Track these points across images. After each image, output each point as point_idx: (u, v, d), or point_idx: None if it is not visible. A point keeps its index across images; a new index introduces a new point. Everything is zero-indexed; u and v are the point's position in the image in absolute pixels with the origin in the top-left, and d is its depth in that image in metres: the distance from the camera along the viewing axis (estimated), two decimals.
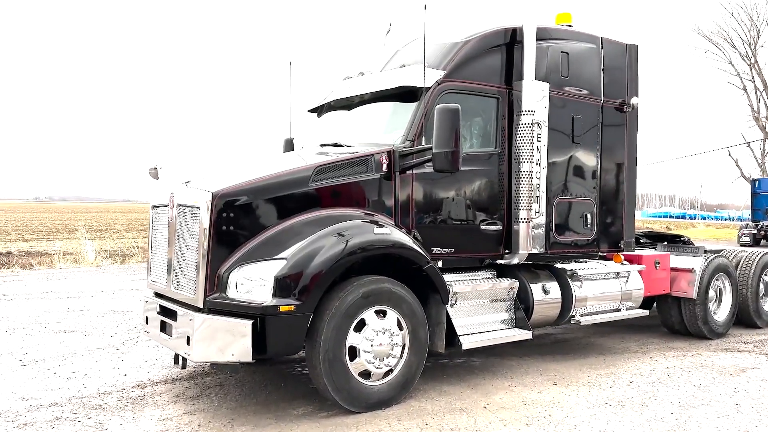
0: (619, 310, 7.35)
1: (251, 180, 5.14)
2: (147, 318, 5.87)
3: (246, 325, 4.65)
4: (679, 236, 9.57)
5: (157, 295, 5.76)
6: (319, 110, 7.16)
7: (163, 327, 5.48)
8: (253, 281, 4.80)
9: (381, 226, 5.26)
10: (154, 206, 5.92)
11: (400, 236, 5.34)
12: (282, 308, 4.67)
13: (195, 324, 4.84)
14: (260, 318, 4.68)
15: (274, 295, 4.70)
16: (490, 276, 6.35)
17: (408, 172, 5.63)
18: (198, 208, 5.00)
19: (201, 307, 4.90)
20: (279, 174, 5.26)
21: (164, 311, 5.50)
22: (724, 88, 63.57)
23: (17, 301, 11.06)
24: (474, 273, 6.25)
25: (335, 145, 6.13)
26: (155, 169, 6.37)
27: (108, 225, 41.42)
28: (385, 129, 6.03)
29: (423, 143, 5.63)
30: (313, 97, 7.37)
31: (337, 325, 4.87)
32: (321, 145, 6.36)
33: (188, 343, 4.91)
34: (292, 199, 5.20)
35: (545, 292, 6.52)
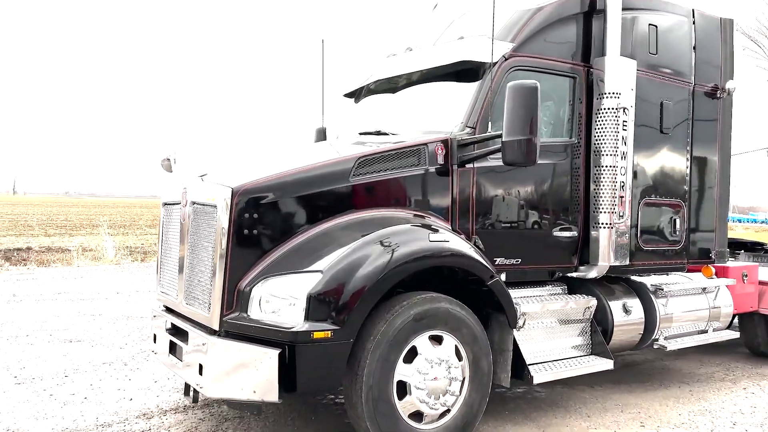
0: (706, 331, 6.26)
1: (279, 173, 4.18)
2: (155, 336, 4.96)
3: (272, 355, 3.70)
4: (761, 243, 8.39)
5: (168, 309, 4.85)
6: (357, 94, 6.18)
7: (173, 349, 4.57)
8: (282, 299, 3.84)
9: (436, 231, 4.27)
10: (166, 204, 5.01)
11: (460, 244, 4.34)
12: (316, 334, 3.71)
13: (209, 350, 3.91)
14: (289, 346, 3.72)
15: (307, 317, 3.73)
16: (560, 292, 5.32)
17: (468, 165, 4.63)
18: (215, 206, 4.07)
19: (217, 329, 3.96)
20: (313, 167, 4.29)
21: (174, 330, 4.59)
22: (763, 87, 61.02)
23: (27, 302, 10.32)
24: (540, 288, 5.22)
25: (378, 133, 5.14)
26: (168, 160, 5.47)
27: (132, 221, 41.08)
28: (439, 114, 5.02)
29: (485, 131, 4.61)
30: (350, 79, 6.40)
31: (383, 355, 3.90)
32: (360, 134, 5.38)
33: (200, 373, 3.99)
34: (329, 196, 4.24)
35: (626, 311, 5.46)
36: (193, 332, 4.17)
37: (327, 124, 6.74)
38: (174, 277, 4.66)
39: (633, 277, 5.79)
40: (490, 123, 4.51)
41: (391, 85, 5.61)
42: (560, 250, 5.14)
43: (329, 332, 3.73)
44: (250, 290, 3.93)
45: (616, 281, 5.67)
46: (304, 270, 3.87)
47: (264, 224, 4.04)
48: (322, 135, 6.61)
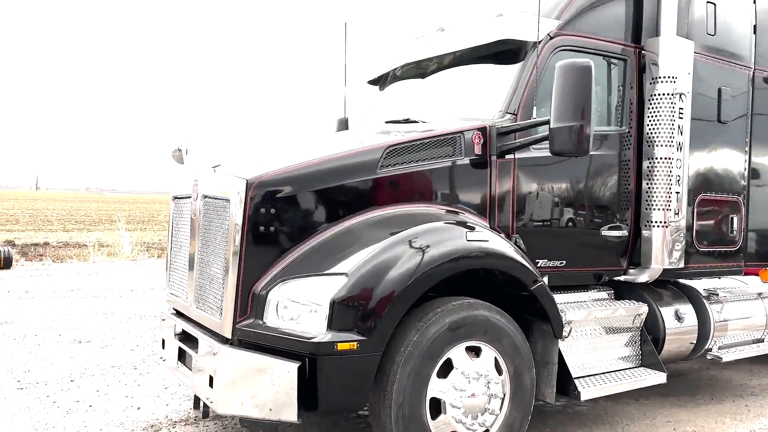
0: (762, 340, 5.73)
1: (299, 164, 3.75)
2: (163, 342, 4.57)
3: (290, 369, 3.27)
4: None
5: (179, 313, 4.45)
6: (382, 81, 5.73)
7: (182, 356, 4.17)
8: (301, 304, 3.41)
9: (473, 229, 3.81)
10: (176, 197, 4.61)
11: (501, 244, 3.87)
12: (341, 345, 3.27)
13: (220, 360, 3.50)
14: (310, 359, 3.29)
15: (330, 325, 3.30)
16: (606, 297, 4.83)
17: (508, 156, 4.16)
18: (228, 200, 3.65)
19: (229, 337, 3.54)
20: (336, 157, 3.85)
21: (184, 336, 4.19)
22: None
23: (39, 300, 10.04)
24: (583, 293, 4.74)
25: (406, 121, 4.68)
26: (179, 150, 5.07)
27: (150, 216, 41.12)
28: (474, 100, 4.55)
29: (528, 117, 4.14)
30: (375, 65, 5.95)
31: (415, 369, 3.45)
32: (386, 122, 4.93)
33: (211, 385, 3.57)
34: (355, 190, 3.79)
35: (679, 318, 4.96)
36: (204, 339, 3.76)
37: (349, 113, 6.30)
38: (184, 278, 4.26)
39: (682, 281, 5.28)
40: (535, 109, 4.02)
41: (420, 70, 5.15)
42: (609, 250, 4.65)
43: (355, 343, 3.29)
44: (267, 294, 3.51)
45: (664, 285, 5.16)
46: (327, 272, 3.44)
47: (282, 220, 3.61)
48: (344, 125, 6.17)
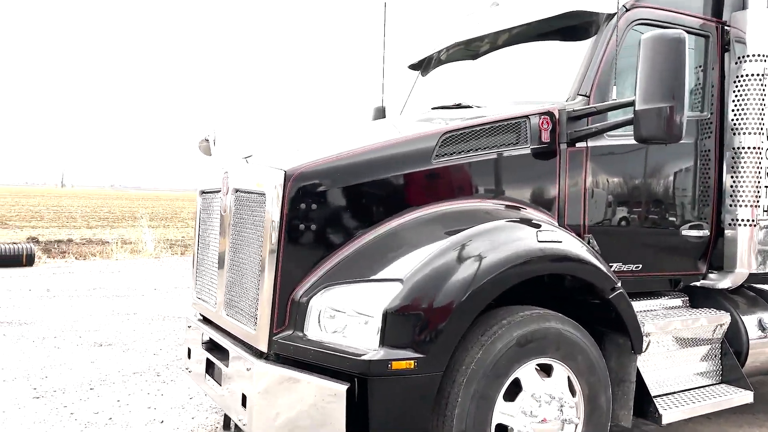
0: None
1: (343, 153, 3.28)
2: (189, 351, 4.15)
3: (337, 392, 2.80)
4: None
5: (206, 320, 4.02)
6: (425, 65, 5.24)
7: (210, 368, 3.74)
8: (349, 315, 2.95)
9: (542, 228, 3.30)
10: (203, 192, 4.17)
11: (575, 245, 3.36)
12: (396, 364, 2.79)
13: (254, 378, 3.05)
14: (359, 379, 2.82)
15: (384, 340, 2.82)
16: (681, 304, 4.30)
17: (579, 144, 3.65)
18: (263, 194, 3.19)
19: (265, 350, 3.09)
20: (385, 145, 3.38)
21: (212, 346, 3.76)
22: None
23: (60, 299, 9.74)
24: (655, 300, 4.21)
25: (457, 106, 4.19)
26: (206, 140, 4.64)
27: (173, 213, 41.12)
28: (537, 81, 4.05)
29: (602, 100, 3.63)
30: (416, 48, 5.46)
31: (479, 391, 2.96)
32: (432, 109, 4.44)
33: (243, 405, 3.13)
34: (406, 183, 3.32)
35: (762, 328, 4.40)
36: (236, 352, 3.32)
37: (387, 102, 5.83)
38: (212, 282, 3.83)
39: (759, 286, 4.72)
40: (615, 89, 3.50)
41: (470, 51, 4.65)
42: (688, 253, 4.12)
43: (412, 362, 2.81)
44: (308, 302, 3.05)
45: (740, 290, 4.60)
46: (378, 278, 2.96)
47: (324, 217, 3.15)
48: (381, 114, 5.69)
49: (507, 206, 3.47)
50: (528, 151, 3.54)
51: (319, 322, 3.04)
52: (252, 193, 3.34)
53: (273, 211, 3.11)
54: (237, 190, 3.54)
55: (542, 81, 3.98)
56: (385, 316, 2.83)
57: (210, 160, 4.53)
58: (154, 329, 7.72)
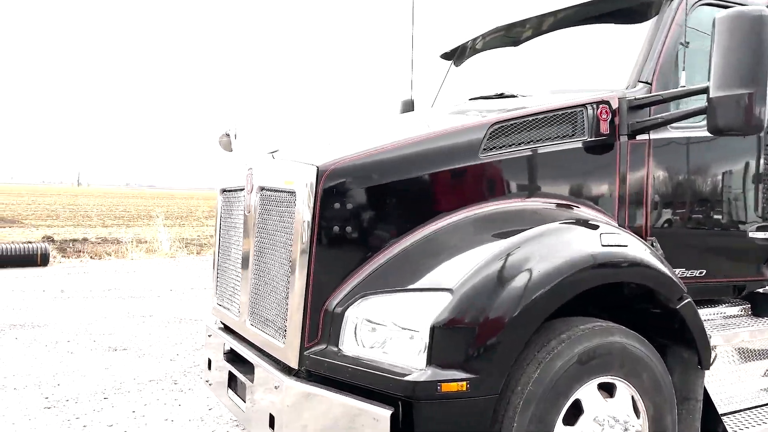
0: None
1: (380, 147, 2.94)
2: (210, 362, 3.84)
3: (380, 417, 2.47)
4: None
5: (228, 328, 3.72)
6: (459, 54, 4.90)
7: (233, 382, 3.43)
8: (391, 328, 2.61)
9: (605, 230, 2.94)
10: (224, 190, 3.87)
11: (641, 250, 3.00)
12: (446, 386, 2.46)
13: (284, 398, 2.73)
14: (404, 402, 2.49)
15: (432, 358, 2.48)
16: (742, 313, 3.93)
17: (640, 136, 3.29)
18: (293, 192, 2.87)
19: (295, 366, 2.77)
20: (427, 138, 3.04)
21: (235, 357, 3.45)
22: None
23: (74, 300, 9.52)
24: (714, 308, 3.84)
25: (499, 96, 3.84)
26: (227, 135, 4.33)
27: (188, 212, 41.09)
28: (589, 67, 3.69)
29: (665, 87, 3.28)
30: (449, 37, 5.12)
31: (537, 414, 2.61)
32: (470, 100, 4.10)
33: (271, 426, 2.82)
34: (451, 179, 2.98)
35: None
36: (262, 367, 3.01)
37: (415, 94, 5.49)
38: (235, 288, 3.52)
39: None
40: (684, 74, 3.13)
41: (510, 37, 4.30)
42: (754, 256, 3.74)
43: (464, 383, 2.47)
44: (343, 312, 2.72)
45: None
46: (424, 287, 2.63)
47: (361, 218, 2.82)
48: (409, 108, 5.36)
49: (563, 206, 3.12)
50: (585, 144, 3.19)
51: (355, 335, 2.71)
52: (280, 191, 3.02)
53: (304, 211, 2.79)
54: (262, 188, 3.22)
55: (595, 67, 3.62)
56: (433, 330, 2.49)
57: (231, 157, 4.22)
58: (171, 333, 7.45)
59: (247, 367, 3.24)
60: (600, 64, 3.59)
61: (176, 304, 9.36)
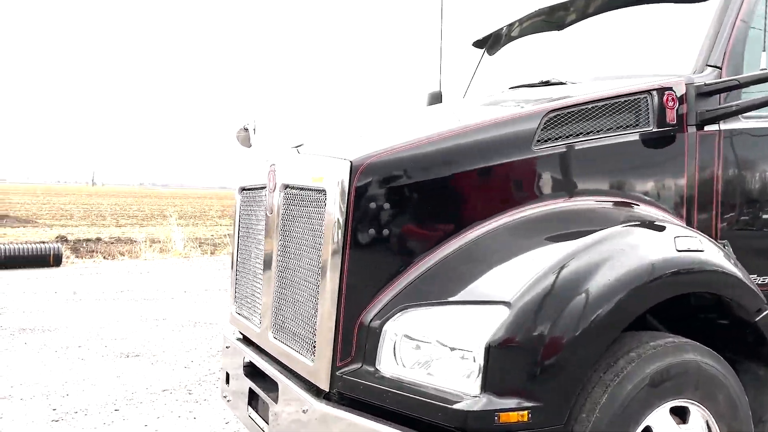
0: None
1: (419, 140, 2.60)
2: (228, 376, 3.53)
3: None
4: None
5: (247, 338, 3.40)
6: (493, 41, 4.55)
7: (254, 400, 3.12)
8: (437, 346, 2.28)
9: (676, 232, 2.58)
10: (243, 189, 3.55)
11: (718, 256, 2.64)
12: (505, 416, 2.11)
13: (313, 423, 2.41)
14: None
15: (487, 384, 2.14)
16: None
17: (709, 127, 2.92)
18: (323, 190, 2.54)
19: (326, 389, 2.45)
20: (471, 129, 2.68)
21: (255, 372, 3.13)
22: None
23: (86, 302, 9.28)
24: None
25: (545, 84, 3.48)
26: (245, 130, 4.02)
27: (202, 211, 41.02)
28: (647, 50, 3.32)
29: (737, 72, 2.91)
30: (480, 26, 4.78)
31: None
32: (511, 89, 3.74)
33: None
34: (501, 175, 2.64)
35: None
36: (287, 387, 2.68)
37: (444, 86, 5.14)
38: (256, 296, 3.20)
39: None
40: (765, 55, 2.76)
41: (554, 21, 3.94)
42: None
43: (526, 413, 2.12)
44: (381, 327, 2.39)
45: None
46: (477, 299, 2.29)
47: (400, 219, 2.49)
48: (437, 100, 5.01)
49: (627, 204, 2.77)
50: (649, 135, 2.83)
51: (394, 353, 2.38)
52: (307, 189, 2.70)
53: (335, 211, 2.46)
54: (287, 186, 2.89)
55: (654, 51, 3.25)
56: (489, 350, 2.14)
57: (250, 152, 3.91)
58: (185, 337, 7.17)
59: (269, 385, 2.92)
60: (659, 48, 3.22)
61: (190, 307, 9.09)
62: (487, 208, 2.58)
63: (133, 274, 12.46)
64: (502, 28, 4.42)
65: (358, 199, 2.43)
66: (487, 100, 3.63)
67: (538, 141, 2.66)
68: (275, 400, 2.79)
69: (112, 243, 18.44)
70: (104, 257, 15.09)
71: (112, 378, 5.56)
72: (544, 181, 2.66)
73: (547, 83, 3.46)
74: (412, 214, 2.51)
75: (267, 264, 3.03)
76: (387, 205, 2.46)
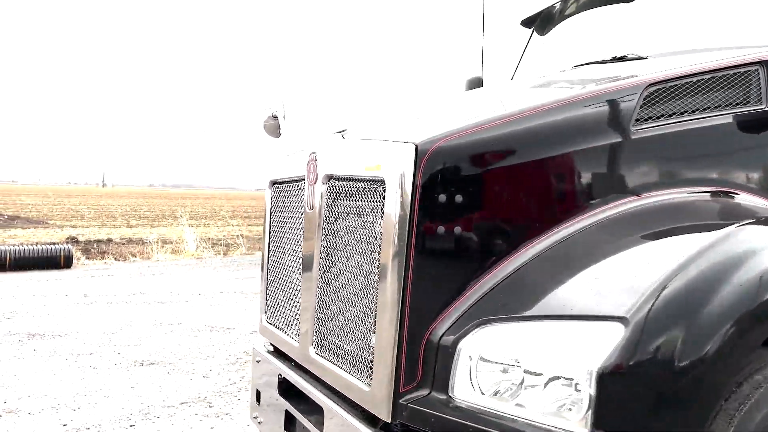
0: None
1: (493, 121, 2.17)
2: (258, 394, 3.12)
3: None
4: None
5: (279, 351, 2.99)
6: (545, 19, 4.12)
7: (291, 425, 2.70)
8: (527, 370, 1.84)
9: None
10: (275, 183, 3.14)
11: None
12: None
13: None
14: None
15: (599, 420, 1.70)
16: None
17: None
18: (380, 181, 2.12)
19: (387, 419, 2.02)
20: (555, 106, 2.24)
21: (292, 392, 2.72)
22: None
23: (98, 305, 8.92)
24: None
25: (619, 59, 3.03)
26: (274, 117, 3.60)
27: (213, 211, 40.77)
28: (740, 18, 2.87)
29: None
30: (529, 2, 4.35)
31: None
32: (575, 67, 3.30)
33: None
34: (593, 161, 2.21)
35: None
36: (335, 413, 2.26)
37: (480, 71, 4.72)
38: (293, 304, 2.78)
39: None
40: None
41: None
42: None
43: None
44: (455, 345, 1.96)
45: None
46: (580, 314, 1.85)
47: (477, 213, 2.06)
48: (478, 86, 4.57)
49: (737, 195, 2.32)
50: (762, 113, 2.38)
51: (471, 378, 1.95)
52: (358, 180, 2.27)
53: (396, 205, 2.03)
54: (331, 178, 2.47)
55: (752, 20, 2.80)
56: (601, 378, 1.71)
57: (280, 142, 3.50)
58: (201, 343, 6.77)
59: (311, 408, 2.51)
60: (759, 15, 2.78)
61: (206, 310, 8.71)
62: (578, 200, 2.15)
63: (146, 276, 12.11)
64: (554, 5, 3.99)
65: (425, 190, 2.01)
66: (549, 79, 3.18)
67: (637, 120, 2.22)
68: (319, 428, 2.38)
69: (123, 244, 18.14)
70: (115, 258, 14.78)
71: (126, 389, 5.17)
72: (644, 167, 2.23)
73: (622, 59, 3.01)
74: (489, 209, 2.08)
75: (306, 268, 2.61)
76: (460, 198, 2.03)
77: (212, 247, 17.34)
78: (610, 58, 3.09)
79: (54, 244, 14.24)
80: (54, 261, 12.58)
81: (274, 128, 3.64)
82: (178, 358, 6.15)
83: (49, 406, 4.75)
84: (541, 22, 4.15)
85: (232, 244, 18.25)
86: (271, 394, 2.92)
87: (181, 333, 7.27)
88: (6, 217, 26.77)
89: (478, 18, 4.77)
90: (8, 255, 12.11)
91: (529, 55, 4.27)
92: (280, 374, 2.85)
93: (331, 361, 2.39)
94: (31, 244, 13.48)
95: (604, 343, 1.74)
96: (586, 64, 3.22)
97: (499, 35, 4.97)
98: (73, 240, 17.67)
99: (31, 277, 11.53)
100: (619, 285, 1.86)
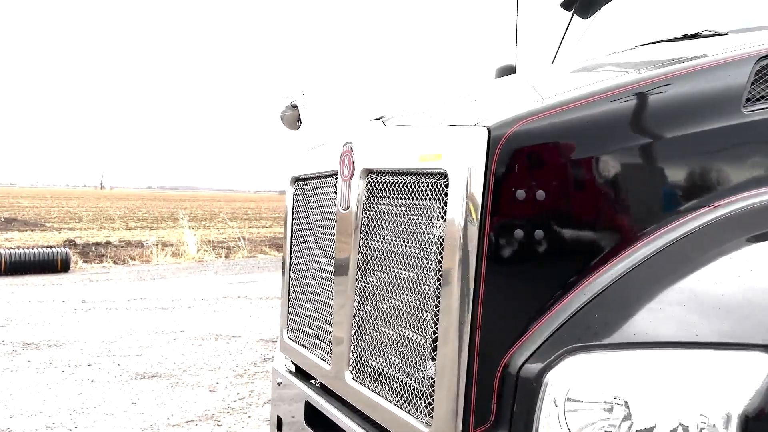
0: None
1: (578, 99, 1.78)
2: (279, 421, 2.73)
3: None
4: None
5: (301, 371, 2.61)
6: (589, 1, 3.74)
7: None
8: (637, 410, 1.46)
9: None
10: (299, 179, 2.75)
11: None
12: None
13: None
14: None
15: None
16: None
17: None
18: (440, 174, 1.73)
19: None
20: (643, 81, 1.86)
21: (319, 421, 2.33)
22: None
23: (96, 312, 8.52)
24: None
25: (692, 36, 2.65)
26: (294, 107, 3.20)
27: (212, 214, 40.38)
28: None
29: None
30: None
31: None
32: (639, 46, 2.91)
33: None
34: (700, 149, 1.83)
35: None
36: None
37: (518, 60, 4.34)
38: (322, 321, 2.39)
39: None
40: None
41: None
42: None
43: None
44: (540, 377, 1.58)
45: None
46: (706, 341, 1.46)
47: (564, 215, 1.68)
48: (510, 74, 4.19)
49: None
50: None
51: (560, 419, 1.56)
52: (410, 173, 1.89)
53: (463, 204, 1.64)
54: (371, 172, 2.09)
55: None
56: (745, 422, 1.33)
57: (300, 133, 3.11)
58: (206, 353, 6.39)
59: None
60: None
61: (209, 316, 8.32)
62: (685, 197, 1.77)
63: (146, 280, 11.72)
64: None
65: (500, 184, 1.62)
66: (615, 59, 2.80)
67: (749, 100, 1.84)
68: None
69: (122, 247, 17.73)
70: (114, 262, 14.38)
71: (127, 405, 4.78)
72: (761, 156, 1.85)
73: (696, 36, 2.63)
74: (579, 207, 1.70)
75: (340, 278, 2.23)
76: (542, 194, 1.65)
77: (213, 249, 16.95)
78: (680, 36, 2.71)
79: (51, 247, 13.85)
80: (51, 265, 12.19)
81: (293, 119, 3.25)
82: (182, 370, 5.76)
83: (43, 425, 4.36)
84: (582, 4, 3.78)
85: (233, 247, 17.86)
86: (295, 424, 2.54)
87: (184, 342, 6.88)
88: (3, 219, 26.36)
89: (504, 5, 4.40)
90: (3, 259, 11.71)
91: (571, 36, 3.90)
92: (307, 399, 2.46)
93: (374, 391, 2.00)
94: (28, 248, 13.09)
95: (746, 379, 1.35)
96: (651, 43, 2.83)
97: (528, 22, 4.60)
98: (71, 243, 17.27)
99: (27, 281, 11.13)
100: (758, 303, 1.47)
